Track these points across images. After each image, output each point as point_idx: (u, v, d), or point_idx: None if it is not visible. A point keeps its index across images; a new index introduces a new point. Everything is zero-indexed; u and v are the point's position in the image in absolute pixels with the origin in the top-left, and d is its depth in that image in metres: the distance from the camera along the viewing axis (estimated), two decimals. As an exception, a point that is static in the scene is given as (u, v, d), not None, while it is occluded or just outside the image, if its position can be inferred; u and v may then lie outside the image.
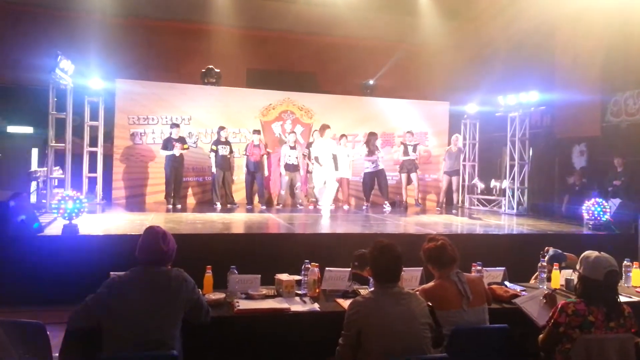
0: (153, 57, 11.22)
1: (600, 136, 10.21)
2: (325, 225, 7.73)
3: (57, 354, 2.76)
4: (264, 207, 9.46)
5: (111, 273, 2.88)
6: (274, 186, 10.49)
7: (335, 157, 8.98)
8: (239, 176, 10.17)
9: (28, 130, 10.69)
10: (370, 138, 9.95)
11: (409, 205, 10.37)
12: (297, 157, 9.71)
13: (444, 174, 10.44)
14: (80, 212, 5.81)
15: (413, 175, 10.15)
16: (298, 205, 9.71)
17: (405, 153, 10.11)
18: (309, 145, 10.01)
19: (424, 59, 11.97)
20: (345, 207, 9.96)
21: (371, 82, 11.72)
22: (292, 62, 12.26)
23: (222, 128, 9.56)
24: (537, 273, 3.98)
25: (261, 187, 9.76)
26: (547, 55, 11.29)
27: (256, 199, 9.88)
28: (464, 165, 11.09)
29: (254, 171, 9.55)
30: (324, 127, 8.98)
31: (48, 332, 2.68)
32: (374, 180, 10.03)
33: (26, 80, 9.70)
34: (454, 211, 10.08)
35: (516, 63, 11.54)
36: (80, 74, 8.30)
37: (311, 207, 9.80)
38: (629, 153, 9.30)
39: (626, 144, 9.47)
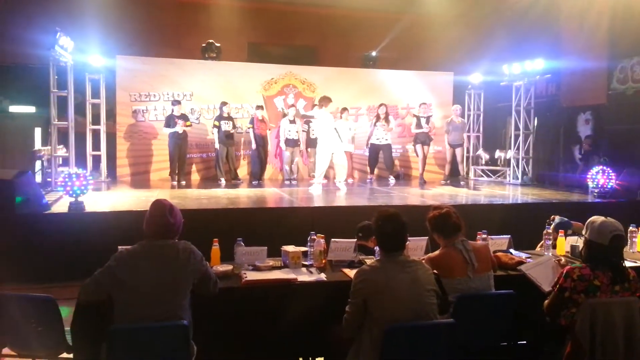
0: (153, 33, 11.07)
1: (606, 104, 10.09)
2: (330, 198, 7.74)
3: (68, 328, 2.81)
4: (256, 182, 9.41)
5: (119, 247, 2.91)
6: (277, 162, 10.49)
7: (335, 130, 8.77)
8: (246, 151, 10.18)
9: (30, 109, 10.66)
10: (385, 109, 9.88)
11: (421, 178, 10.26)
12: (297, 132, 9.65)
13: (448, 146, 10.40)
14: (85, 190, 5.84)
15: (425, 148, 10.06)
16: (292, 181, 9.54)
17: (418, 126, 9.97)
18: (307, 121, 9.91)
19: (426, 29, 11.77)
20: (349, 180, 9.96)
21: (373, 53, 11.58)
22: (294, 35, 12.09)
23: (224, 103, 9.50)
24: (542, 241, 3.99)
25: (265, 162, 9.76)
26: (552, 22, 11.08)
27: (266, 174, 9.90)
28: (469, 137, 11.02)
29: (260, 145, 9.54)
30: (326, 100, 8.42)
31: (59, 307, 2.73)
32: (378, 153, 9.99)
33: (26, 58, 9.62)
34: (461, 182, 10.06)
35: (521, 31, 11.34)
36: (80, 51, 8.23)
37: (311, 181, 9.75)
38: (635, 120, 9.21)
39: (632, 112, 9.37)
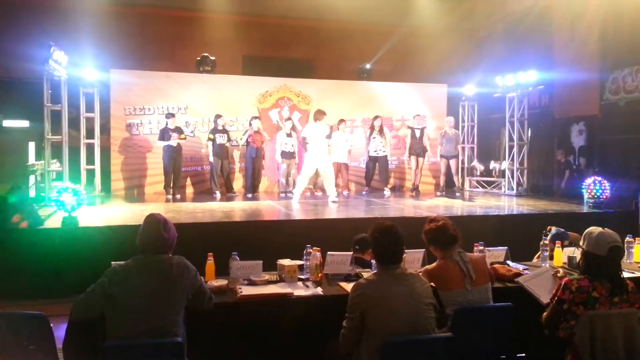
0: (147, 46, 11.10)
1: (599, 115, 10.16)
2: (325, 211, 7.71)
3: (60, 346, 2.76)
4: (250, 195, 9.37)
5: (112, 263, 2.87)
6: (272, 174, 10.47)
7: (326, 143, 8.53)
8: (241, 164, 10.16)
9: (24, 124, 10.62)
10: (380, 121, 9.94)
11: (414, 188, 10.28)
12: (292, 145, 9.66)
13: (441, 158, 10.40)
14: (79, 204, 5.79)
15: (420, 160, 10.10)
16: (287, 194, 9.44)
17: (413, 137, 10.06)
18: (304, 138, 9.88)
19: (420, 42, 11.87)
20: (345, 192, 9.94)
21: (368, 66, 11.62)
22: (288, 48, 12.16)
23: (218, 116, 9.49)
24: (539, 252, 3.97)
25: (259, 175, 9.74)
26: (544, 34, 11.19)
27: (262, 186, 9.89)
28: (463, 148, 11.05)
29: (255, 158, 9.52)
30: (319, 113, 8.36)
31: (51, 325, 2.68)
32: (375, 165, 10.02)
33: (20, 72, 9.61)
34: (456, 194, 10.05)
35: (513, 43, 11.45)
36: (74, 65, 8.22)
37: (308, 193, 9.69)
38: (628, 131, 9.27)
39: (625, 122, 9.44)
